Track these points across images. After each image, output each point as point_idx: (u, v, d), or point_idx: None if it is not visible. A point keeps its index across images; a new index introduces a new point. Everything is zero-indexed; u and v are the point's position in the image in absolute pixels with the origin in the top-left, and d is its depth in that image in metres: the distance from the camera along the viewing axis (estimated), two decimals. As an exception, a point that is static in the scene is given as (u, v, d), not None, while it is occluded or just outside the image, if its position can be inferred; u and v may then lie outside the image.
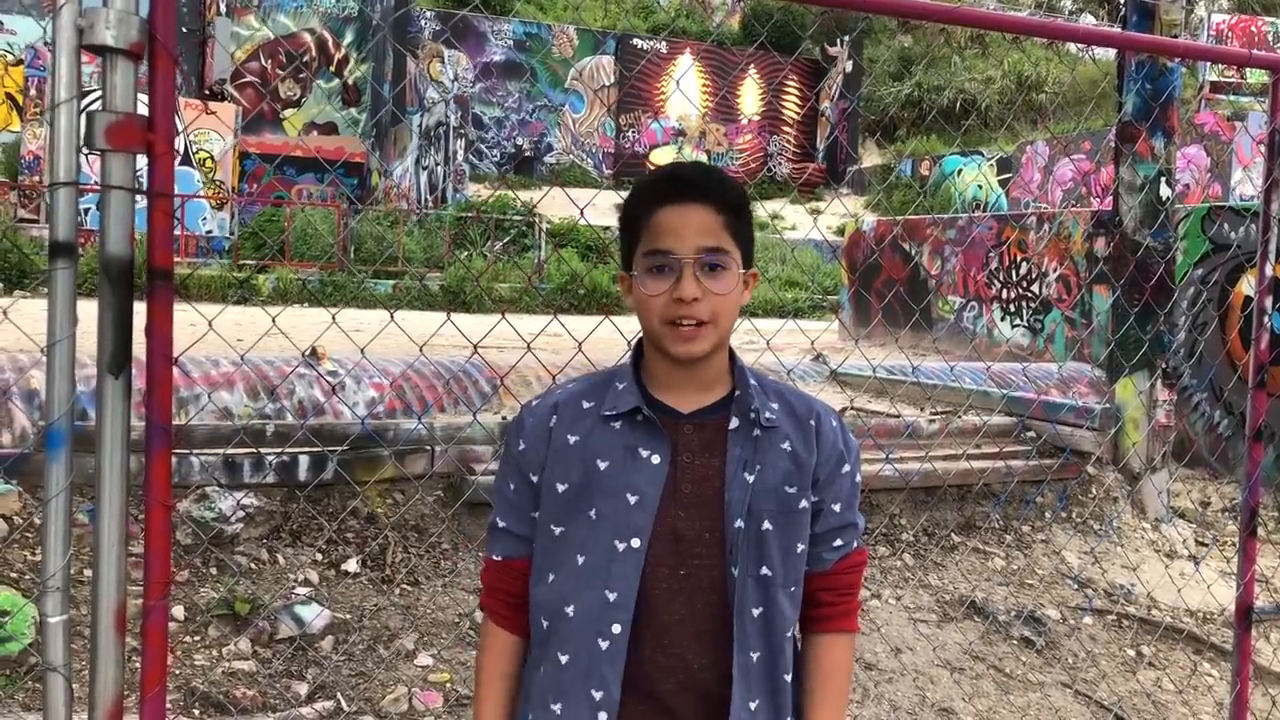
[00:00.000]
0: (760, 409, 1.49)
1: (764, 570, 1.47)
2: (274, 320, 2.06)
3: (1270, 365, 2.85)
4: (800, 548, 1.50)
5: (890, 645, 4.06)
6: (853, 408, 5.97)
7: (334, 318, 2.20)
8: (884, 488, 5.04)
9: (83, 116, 1.50)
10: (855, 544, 1.58)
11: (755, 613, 1.46)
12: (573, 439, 1.48)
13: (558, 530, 1.48)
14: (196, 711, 3.02)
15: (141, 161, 1.54)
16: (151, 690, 1.61)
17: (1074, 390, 7.04)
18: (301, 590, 3.72)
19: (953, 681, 3.90)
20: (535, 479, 1.50)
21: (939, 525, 5.14)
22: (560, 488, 1.47)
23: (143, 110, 1.52)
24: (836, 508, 1.54)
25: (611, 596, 1.43)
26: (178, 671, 3.17)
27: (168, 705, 2.93)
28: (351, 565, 3.92)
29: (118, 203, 1.53)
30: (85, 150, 1.51)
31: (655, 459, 1.46)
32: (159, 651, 1.62)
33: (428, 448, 4.39)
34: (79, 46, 1.50)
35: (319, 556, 3.93)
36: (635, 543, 1.44)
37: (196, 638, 3.38)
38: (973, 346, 11.15)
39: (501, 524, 1.55)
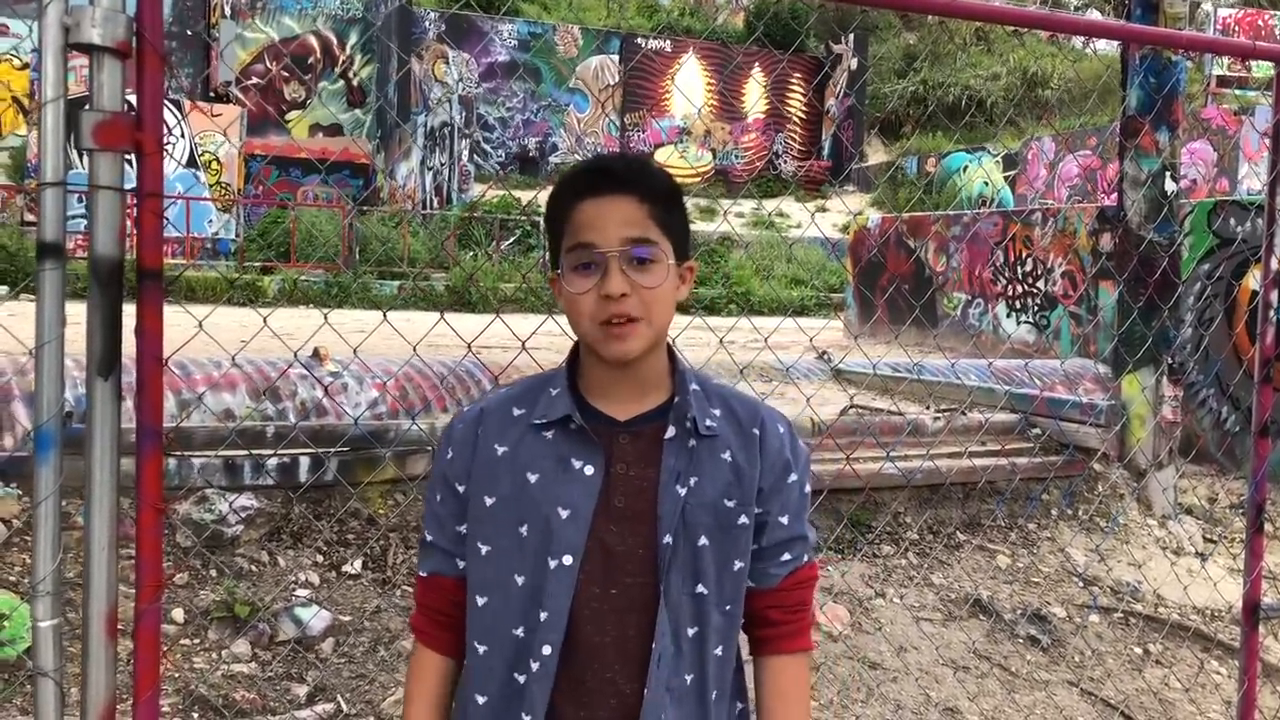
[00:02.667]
0: (699, 416, 1.41)
1: (699, 588, 1.38)
2: (265, 320, 2.05)
3: (1276, 360, 2.82)
4: (739, 565, 1.42)
5: (894, 644, 4.04)
6: (856, 405, 5.95)
7: (325, 317, 2.19)
8: (887, 486, 5.02)
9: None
10: (805, 558, 1.48)
11: (690, 633, 1.38)
12: (501, 449, 1.40)
13: (485, 549, 1.40)
14: (195, 715, 3.00)
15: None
16: (144, 695, 1.60)
17: (1079, 386, 7.00)
18: (301, 592, 3.71)
19: (957, 681, 3.88)
20: (461, 489, 1.42)
21: (943, 523, 5.11)
22: (488, 501, 1.39)
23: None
24: (784, 520, 1.45)
25: (543, 616, 1.35)
26: (176, 675, 3.16)
27: (167, 708, 2.93)
28: (352, 567, 3.91)
29: (106, 203, 1.51)
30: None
31: (588, 470, 1.37)
32: (151, 655, 1.60)
33: (428, 448, 4.38)
34: (65, 45, 1.49)
35: (319, 558, 3.92)
36: (567, 560, 1.35)
37: (195, 640, 3.37)
38: (974, 342, 11.11)
39: (429, 538, 1.47)
